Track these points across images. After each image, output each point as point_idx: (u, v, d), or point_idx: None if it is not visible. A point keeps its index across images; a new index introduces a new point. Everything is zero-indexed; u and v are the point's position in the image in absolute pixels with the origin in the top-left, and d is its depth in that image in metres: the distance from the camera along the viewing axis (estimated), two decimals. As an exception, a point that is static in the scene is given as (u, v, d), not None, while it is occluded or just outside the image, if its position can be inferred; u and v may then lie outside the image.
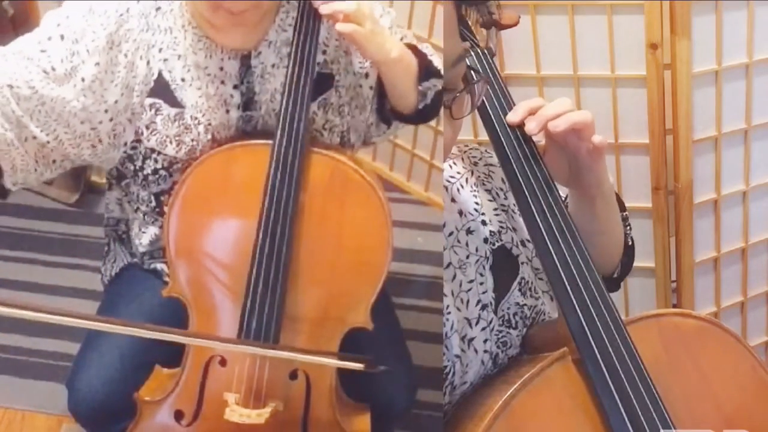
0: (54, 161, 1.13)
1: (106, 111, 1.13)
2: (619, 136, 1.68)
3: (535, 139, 1.00)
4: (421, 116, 1.32)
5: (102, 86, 1.12)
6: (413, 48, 1.26)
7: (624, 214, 1.13)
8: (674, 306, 1.82)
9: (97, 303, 1.42)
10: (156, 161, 1.22)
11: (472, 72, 1.00)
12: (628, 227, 1.14)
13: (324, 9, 1.11)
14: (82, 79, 1.10)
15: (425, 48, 1.32)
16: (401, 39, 1.29)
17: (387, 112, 1.31)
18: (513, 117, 0.98)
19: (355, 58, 1.27)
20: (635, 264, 1.77)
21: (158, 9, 1.16)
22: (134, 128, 1.18)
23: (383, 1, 2.06)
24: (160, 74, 1.17)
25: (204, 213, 1.19)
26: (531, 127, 0.96)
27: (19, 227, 2.20)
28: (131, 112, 1.17)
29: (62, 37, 1.10)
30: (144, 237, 1.33)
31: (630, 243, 1.16)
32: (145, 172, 1.22)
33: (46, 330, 1.95)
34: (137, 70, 1.15)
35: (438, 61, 1.31)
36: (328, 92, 1.26)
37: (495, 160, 1.13)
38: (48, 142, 1.10)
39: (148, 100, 1.17)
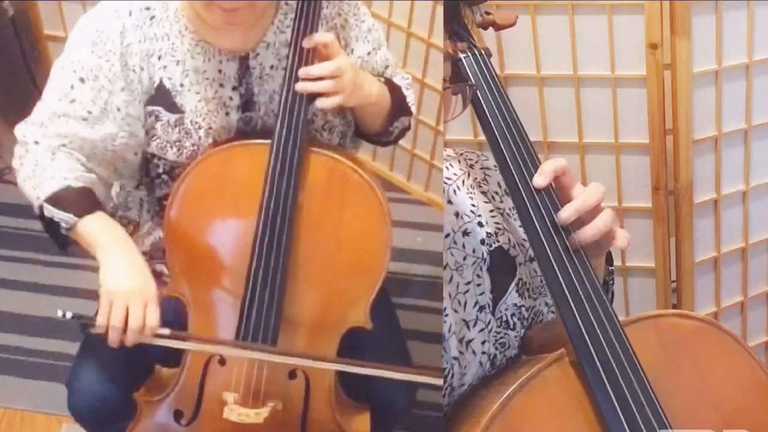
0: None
1: (142, 126, 1.20)
2: (619, 136, 1.68)
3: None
4: (377, 142, 1.38)
5: (133, 107, 1.18)
6: (389, 84, 1.30)
7: (611, 268, 1.12)
8: (674, 306, 1.82)
9: (96, 303, 1.42)
10: (157, 166, 1.23)
11: (469, 73, 1.00)
12: (612, 281, 1.13)
13: (301, 87, 1.15)
14: (118, 109, 1.17)
15: (402, 80, 1.36)
16: (385, 64, 1.33)
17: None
18: (540, 181, 0.94)
19: None
20: (635, 264, 1.79)
21: (152, 18, 1.17)
22: None
23: (383, 1, 2.07)
24: (161, 82, 1.18)
25: (203, 212, 1.19)
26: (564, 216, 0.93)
27: (19, 227, 2.20)
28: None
29: (82, 80, 1.16)
30: (148, 239, 1.34)
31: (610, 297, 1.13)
32: (150, 176, 1.25)
33: (46, 330, 1.96)
34: (143, 81, 1.18)
35: (411, 97, 1.35)
36: None
37: (490, 163, 1.13)
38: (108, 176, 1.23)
39: (148, 108, 1.19)
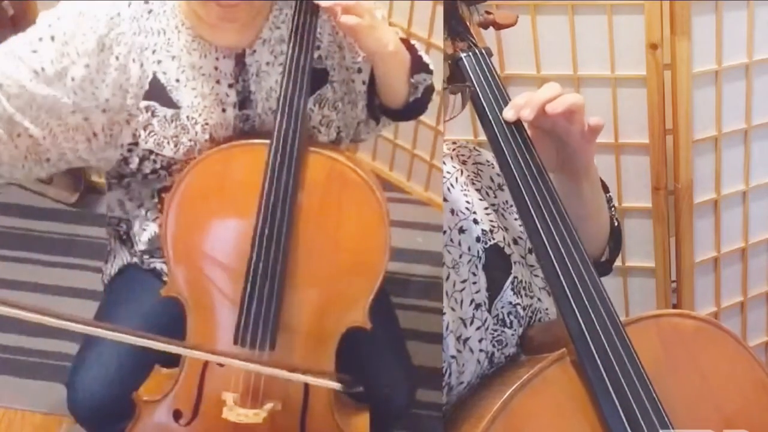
0: (48, 159, 1.15)
1: (97, 106, 1.15)
2: (619, 136, 1.68)
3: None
4: (409, 111, 1.33)
5: (93, 85, 1.14)
6: (405, 42, 1.28)
7: (608, 195, 1.12)
8: (674, 306, 1.82)
9: (97, 303, 1.42)
10: (155, 162, 1.22)
11: (469, 72, 1.00)
12: (613, 208, 1.14)
13: (324, 2, 1.12)
14: (72, 79, 1.12)
15: (415, 44, 1.34)
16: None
17: (376, 108, 1.32)
18: (509, 114, 0.97)
19: (347, 53, 1.27)
20: (635, 264, 1.79)
21: (150, 11, 1.17)
22: (131, 130, 1.19)
23: (383, 0, 2.07)
24: (154, 76, 1.18)
25: (202, 212, 1.19)
26: (526, 113, 0.95)
27: (19, 227, 2.20)
28: (127, 113, 1.18)
29: (53, 38, 1.12)
30: (144, 234, 1.33)
31: (616, 224, 1.15)
32: (144, 172, 1.23)
33: (46, 330, 1.93)
34: (130, 73, 1.16)
35: (427, 58, 1.33)
36: (323, 88, 1.27)
37: (483, 158, 1.13)
38: (44, 137, 1.12)
39: (144, 103, 1.18)
